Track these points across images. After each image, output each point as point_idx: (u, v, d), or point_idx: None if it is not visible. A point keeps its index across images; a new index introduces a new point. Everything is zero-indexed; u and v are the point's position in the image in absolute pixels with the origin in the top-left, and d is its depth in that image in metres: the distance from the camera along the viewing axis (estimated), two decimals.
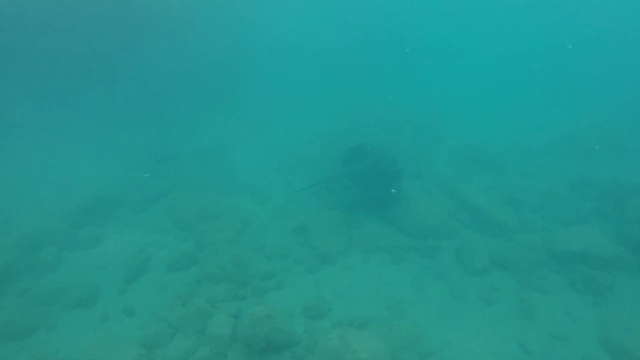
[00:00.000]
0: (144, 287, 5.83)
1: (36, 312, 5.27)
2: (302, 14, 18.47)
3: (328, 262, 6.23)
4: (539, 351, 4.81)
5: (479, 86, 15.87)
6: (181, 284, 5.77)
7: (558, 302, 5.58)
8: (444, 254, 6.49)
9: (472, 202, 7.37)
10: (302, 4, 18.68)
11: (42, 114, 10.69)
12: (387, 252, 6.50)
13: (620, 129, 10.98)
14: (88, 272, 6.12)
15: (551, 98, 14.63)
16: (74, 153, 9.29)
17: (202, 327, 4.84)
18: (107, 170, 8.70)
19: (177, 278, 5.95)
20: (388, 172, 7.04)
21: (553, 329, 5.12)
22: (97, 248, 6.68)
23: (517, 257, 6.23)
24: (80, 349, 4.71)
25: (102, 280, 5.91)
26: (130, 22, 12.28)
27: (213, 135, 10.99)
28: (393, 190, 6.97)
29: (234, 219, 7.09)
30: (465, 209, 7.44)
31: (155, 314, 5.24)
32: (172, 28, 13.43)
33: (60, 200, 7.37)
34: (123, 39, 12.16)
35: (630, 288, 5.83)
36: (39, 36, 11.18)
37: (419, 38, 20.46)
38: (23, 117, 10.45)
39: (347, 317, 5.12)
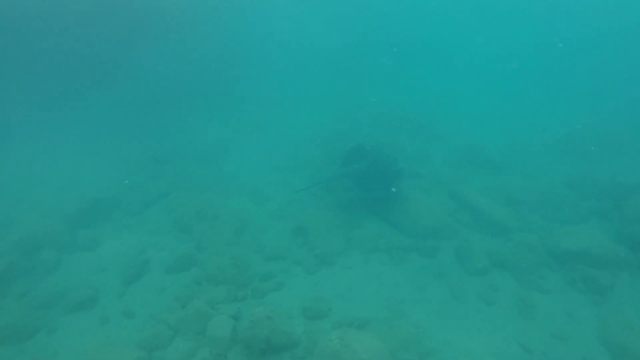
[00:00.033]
0: (143, 289, 5.82)
1: (36, 315, 5.26)
2: (301, 14, 18.49)
3: (327, 263, 6.23)
4: (539, 351, 4.80)
5: (478, 86, 15.90)
6: (181, 286, 5.77)
7: (558, 302, 5.58)
8: (443, 254, 6.49)
9: (472, 202, 7.37)
10: (301, 5, 18.69)
11: (41, 116, 10.69)
12: (386, 252, 6.49)
13: (619, 128, 11.00)
14: (87, 274, 6.11)
15: (550, 98, 14.65)
16: (73, 154, 9.29)
17: (202, 329, 4.83)
18: (106, 171, 8.70)
19: (176, 280, 5.94)
20: (388, 172, 7.04)
21: (553, 329, 5.12)
22: (96, 250, 6.68)
23: (516, 256, 6.23)
24: (79, 352, 4.69)
25: (102, 282, 5.90)
26: (128, 23, 12.28)
27: (212, 136, 10.99)
28: (393, 189, 6.97)
29: (233, 220, 7.08)
30: (464, 209, 7.44)
31: (155, 316, 5.23)
32: (171, 29, 13.42)
33: (59, 202, 7.36)
34: (122, 40, 12.15)
35: (630, 287, 5.83)
36: (38, 37, 11.17)
37: (418, 38, 20.48)
38: (22, 119, 10.45)
39: (347, 318, 5.11)
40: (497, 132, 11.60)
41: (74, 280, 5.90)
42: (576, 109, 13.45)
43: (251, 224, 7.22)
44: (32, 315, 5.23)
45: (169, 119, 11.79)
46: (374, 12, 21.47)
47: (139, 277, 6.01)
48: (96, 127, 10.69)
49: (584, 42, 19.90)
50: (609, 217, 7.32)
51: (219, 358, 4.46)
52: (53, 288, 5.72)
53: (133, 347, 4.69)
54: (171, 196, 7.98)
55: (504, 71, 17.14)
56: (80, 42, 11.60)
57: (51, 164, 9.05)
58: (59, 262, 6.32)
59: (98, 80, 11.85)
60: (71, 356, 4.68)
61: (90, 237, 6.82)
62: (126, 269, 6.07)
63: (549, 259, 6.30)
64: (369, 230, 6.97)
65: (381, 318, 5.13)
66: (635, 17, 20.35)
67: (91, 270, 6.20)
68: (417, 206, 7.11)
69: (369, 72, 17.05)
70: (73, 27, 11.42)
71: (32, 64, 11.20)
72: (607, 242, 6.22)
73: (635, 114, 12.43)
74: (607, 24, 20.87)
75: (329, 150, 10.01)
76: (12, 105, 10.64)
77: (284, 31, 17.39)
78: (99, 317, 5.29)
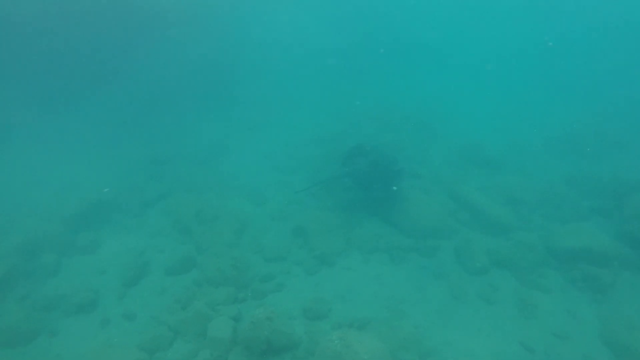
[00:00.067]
0: (143, 291, 5.82)
1: (36, 318, 5.26)
2: (299, 15, 18.51)
3: (327, 263, 6.23)
4: (540, 350, 4.79)
5: (477, 85, 15.89)
6: (181, 288, 5.77)
7: (559, 301, 5.57)
8: (443, 254, 6.48)
9: (471, 202, 7.37)
10: (300, 5, 18.72)
11: (39, 118, 10.70)
12: (386, 252, 6.49)
13: (619, 126, 10.99)
14: (87, 277, 6.11)
15: (549, 96, 14.63)
16: (72, 156, 9.30)
17: (202, 331, 4.83)
18: (105, 173, 8.70)
19: (176, 281, 5.94)
20: (388, 171, 7.05)
21: (554, 328, 5.11)
22: (96, 252, 6.68)
23: (517, 255, 6.22)
24: (80, 354, 4.69)
25: (102, 285, 5.90)
26: (127, 25, 12.30)
27: (211, 137, 11.00)
28: (394, 188, 6.98)
29: (233, 221, 7.08)
30: (464, 209, 7.44)
31: (155, 318, 5.23)
32: (169, 30, 13.45)
33: (58, 205, 7.35)
34: (120, 41, 12.18)
35: (631, 285, 5.82)
36: (36, 39, 11.20)
37: (417, 38, 20.49)
38: (21, 121, 10.46)
39: (347, 318, 5.11)
40: (497, 131, 11.59)
41: (75, 283, 5.90)
42: (575, 107, 13.44)
43: (251, 224, 7.22)
44: (33, 318, 5.23)
45: (168, 120, 11.80)
46: (373, 12, 21.49)
47: (139, 279, 6.01)
48: (95, 128, 10.71)
49: (582, 40, 19.89)
50: (609, 215, 7.31)
51: (219, 359, 4.46)
52: (53, 291, 5.73)
53: (134, 349, 4.69)
54: (170, 197, 7.98)
55: (502, 70, 17.14)
56: (79, 44, 11.63)
57: (50, 167, 9.05)
58: (59, 265, 6.33)
59: (97, 81, 11.88)
60: (72, 359, 4.68)
61: (90, 239, 6.82)
62: (126, 271, 6.07)
63: (549, 257, 6.30)
64: (369, 230, 6.97)
65: (381, 318, 5.13)
66: (633, 15, 20.33)
67: (91, 272, 6.20)
68: (417, 206, 7.11)
69: (368, 73, 17.05)
70: (71, 29, 11.45)
71: (30, 66, 11.23)
72: (607, 240, 6.21)
73: (635, 111, 12.41)
74: (606, 22, 20.86)
75: (328, 150, 10.01)
76: (11, 107, 10.66)
77: (283, 31, 17.42)
78: (99, 319, 5.29)
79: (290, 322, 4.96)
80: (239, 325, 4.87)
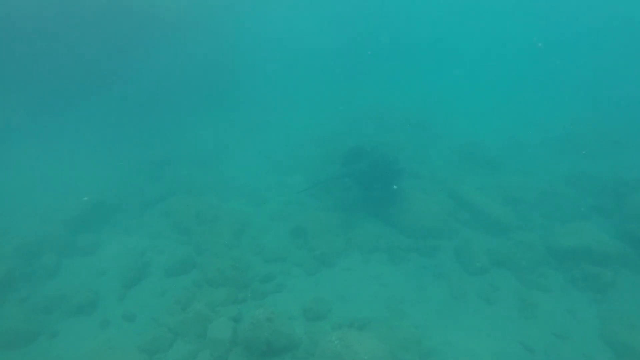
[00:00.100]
0: (143, 292, 5.82)
1: (36, 320, 5.26)
2: (298, 15, 18.53)
3: (327, 264, 6.22)
4: (540, 350, 4.78)
5: (475, 84, 15.90)
6: (181, 289, 5.76)
7: (559, 300, 5.56)
8: (443, 254, 6.47)
9: (471, 201, 7.36)
10: (299, 6, 18.73)
11: (39, 120, 10.72)
12: (386, 252, 6.49)
13: (618, 125, 10.98)
14: (87, 278, 6.11)
15: (549, 95, 14.63)
16: (72, 158, 9.31)
17: (202, 332, 4.83)
18: (105, 175, 8.71)
19: (176, 282, 5.94)
20: (389, 171, 7.05)
21: (554, 327, 5.10)
22: (96, 254, 6.68)
23: (516, 255, 6.21)
24: (80, 356, 4.69)
25: (102, 286, 5.90)
26: (126, 26, 12.33)
27: (210, 138, 11.01)
28: (394, 186, 6.97)
29: (233, 222, 7.09)
30: (464, 208, 7.43)
31: (155, 319, 5.23)
32: (168, 31, 13.48)
33: (58, 207, 7.36)
34: (120, 43, 12.20)
35: (632, 284, 5.81)
36: (36, 42, 11.22)
37: (416, 38, 20.50)
38: (20, 124, 10.48)
39: (347, 319, 5.10)
40: (496, 130, 11.60)
41: (74, 285, 5.91)
42: (575, 106, 13.43)
43: (250, 225, 7.23)
44: (33, 319, 5.24)
45: (168, 122, 11.82)
46: (372, 13, 21.51)
47: (139, 280, 6.01)
48: (95, 130, 10.72)
49: (582, 39, 19.89)
50: (609, 215, 7.30)
51: None
52: (53, 292, 5.73)
53: (134, 350, 4.69)
54: (170, 199, 7.99)
55: (501, 69, 17.13)
56: (78, 46, 11.65)
57: (50, 168, 9.07)
58: (59, 267, 6.33)
59: (97, 82, 11.90)
60: None
61: (89, 241, 6.83)
62: (126, 272, 6.07)
63: (549, 257, 6.29)
64: (369, 230, 6.97)
65: (381, 318, 5.12)
66: (633, 14, 20.32)
67: (91, 274, 6.21)
68: (417, 206, 7.10)
69: (367, 73, 17.06)
70: (71, 31, 11.47)
71: (30, 68, 11.25)
72: (607, 239, 6.19)
73: (634, 110, 12.40)
74: (605, 22, 20.85)
75: (327, 150, 10.02)
76: (10, 110, 10.68)
77: (282, 33, 17.44)
78: (99, 320, 5.29)
79: (290, 322, 4.95)
80: (238, 326, 4.87)
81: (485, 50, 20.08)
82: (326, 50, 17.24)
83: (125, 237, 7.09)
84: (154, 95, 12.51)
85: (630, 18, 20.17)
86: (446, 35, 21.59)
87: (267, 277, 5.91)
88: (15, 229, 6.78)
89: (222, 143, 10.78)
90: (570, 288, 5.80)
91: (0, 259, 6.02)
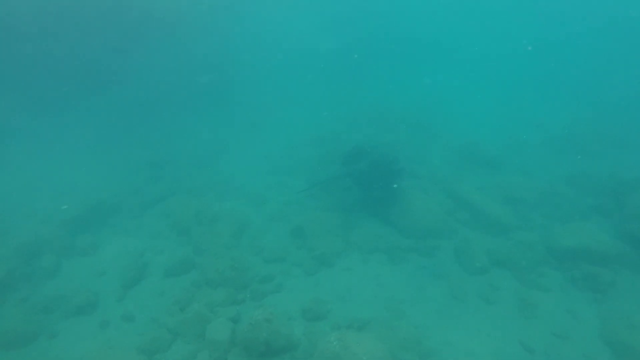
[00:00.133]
0: (142, 293, 5.82)
1: (36, 320, 5.27)
2: (297, 15, 18.53)
3: (326, 264, 6.22)
4: (540, 350, 4.77)
5: (475, 84, 15.89)
6: (180, 289, 5.77)
7: (559, 300, 5.55)
8: (442, 254, 6.47)
9: (471, 201, 7.35)
10: (298, 7, 18.73)
11: (38, 121, 10.74)
12: (385, 252, 6.48)
13: (618, 125, 10.95)
14: (87, 279, 6.12)
15: (548, 95, 14.61)
16: (71, 160, 9.33)
17: (201, 332, 4.83)
18: (104, 176, 8.72)
19: (175, 283, 5.94)
20: (389, 171, 7.04)
21: (554, 327, 5.09)
22: (96, 254, 6.69)
23: (516, 255, 6.20)
24: (80, 356, 4.68)
25: (101, 286, 5.91)
26: (125, 27, 12.34)
27: (209, 139, 11.02)
28: (395, 185, 6.96)
29: (232, 222, 7.08)
30: (463, 208, 7.42)
31: (155, 320, 5.23)
32: (167, 32, 13.49)
33: (57, 208, 7.37)
34: (118, 44, 12.21)
35: (632, 284, 5.80)
36: (35, 43, 11.23)
37: (415, 38, 20.48)
38: (20, 125, 10.49)
39: (347, 319, 5.10)
40: (495, 130, 11.59)
41: (74, 285, 5.92)
42: (575, 106, 13.41)
43: (250, 226, 7.23)
44: (33, 320, 5.25)
45: (167, 123, 11.84)
46: (371, 13, 21.49)
47: (138, 280, 6.01)
48: (94, 131, 10.74)
49: (582, 39, 19.86)
50: (609, 214, 7.28)
51: None
52: (53, 293, 5.74)
53: (133, 350, 4.69)
54: (169, 199, 7.99)
55: (501, 69, 17.11)
56: (77, 46, 11.66)
57: (49, 170, 9.08)
58: (59, 267, 6.34)
59: (95, 85, 11.91)
60: None
61: (89, 241, 6.83)
62: (125, 272, 6.08)
63: (549, 257, 6.28)
64: (368, 230, 6.96)
65: (381, 319, 5.11)
66: (632, 13, 20.28)
67: (91, 274, 6.21)
68: (416, 206, 7.09)
69: (366, 73, 17.06)
70: (70, 32, 11.48)
71: (29, 69, 11.26)
72: (607, 239, 6.18)
73: (634, 110, 12.38)
74: (605, 22, 20.82)
75: (327, 150, 10.02)
76: (10, 111, 10.69)
77: (280, 33, 17.45)
78: (98, 321, 5.30)
79: (289, 323, 4.95)
80: (237, 326, 4.86)
81: (485, 50, 20.07)
82: (326, 51, 17.24)
83: (125, 237, 7.10)
84: (154, 95, 12.53)
85: (630, 18, 20.15)
86: (446, 35, 21.58)
87: (266, 277, 5.91)
88: (15, 230, 6.80)
89: (221, 143, 10.79)
90: (570, 288, 5.78)
91: (0, 260, 6.03)
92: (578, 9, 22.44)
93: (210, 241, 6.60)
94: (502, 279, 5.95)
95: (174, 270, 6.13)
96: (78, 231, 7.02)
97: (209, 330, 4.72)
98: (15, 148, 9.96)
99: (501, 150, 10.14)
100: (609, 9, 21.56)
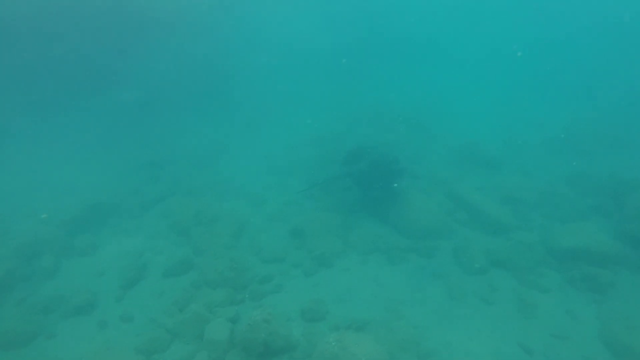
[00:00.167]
0: (141, 293, 5.82)
1: (34, 321, 5.26)
2: (295, 16, 18.53)
3: (325, 265, 6.21)
4: (539, 351, 4.76)
5: (474, 84, 15.88)
6: (179, 290, 5.76)
7: (558, 301, 5.54)
8: (441, 254, 6.46)
9: (470, 201, 7.35)
10: (296, 7, 18.73)
11: (38, 122, 10.74)
12: (384, 253, 6.47)
13: (617, 125, 10.94)
14: (86, 279, 6.12)
15: (547, 95, 14.60)
16: (70, 160, 9.33)
17: (200, 333, 4.82)
18: (103, 176, 8.72)
19: (174, 283, 5.94)
20: (390, 171, 7.04)
21: (553, 328, 5.08)
22: (94, 255, 6.69)
23: (515, 255, 6.19)
24: (78, 357, 4.69)
25: (100, 287, 5.90)
26: (124, 28, 12.34)
27: (208, 139, 11.02)
28: (395, 185, 6.96)
29: (231, 223, 7.08)
30: (462, 208, 7.42)
31: (153, 320, 5.23)
32: (166, 32, 13.49)
33: (56, 208, 7.37)
34: (117, 45, 12.21)
35: (631, 285, 5.79)
36: (34, 42, 11.23)
37: (414, 38, 20.48)
38: (19, 125, 10.49)
39: (345, 320, 5.09)
40: (495, 130, 11.58)
41: (73, 285, 5.91)
42: (574, 106, 13.39)
43: (249, 226, 7.22)
44: (31, 320, 5.24)
45: (166, 123, 11.83)
46: (369, 13, 21.49)
47: (137, 281, 6.01)
48: (93, 132, 10.74)
49: (581, 39, 19.85)
50: (608, 214, 7.28)
51: None
52: (52, 293, 5.74)
53: (131, 351, 4.69)
54: (168, 200, 7.99)
55: (500, 69, 17.10)
56: (76, 47, 11.66)
57: (48, 170, 9.08)
58: (58, 268, 6.34)
59: (95, 84, 11.92)
60: None
61: (88, 242, 6.83)
62: (124, 273, 6.08)
63: (548, 257, 6.27)
64: (367, 231, 6.96)
65: (380, 319, 5.11)
66: (631, 13, 20.27)
67: (89, 275, 6.21)
68: (415, 206, 7.09)
69: (365, 73, 17.05)
70: (69, 32, 11.48)
71: (28, 70, 11.26)
72: (607, 240, 6.18)
73: (633, 110, 12.36)
74: (604, 22, 20.81)
75: (326, 151, 10.01)
76: (9, 112, 10.69)
77: (281, 34, 17.44)
78: (97, 321, 5.29)
79: (288, 323, 4.94)
80: (236, 327, 4.86)
81: (485, 49, 20.05)
82: (325, 51, 17.23)
83: (124, 238, 7.09)
84: (153, 95, 12.53)
85: (629, 18, 20.13)
86: (446, 35, 21.57)
87: (265, 277, 5.90)
88: (14, 230, 6.79)
89: (221, 143, 10.79)
90: (569, 288, 5.77)
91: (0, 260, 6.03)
92: (577, 9, 22.43)
93: (210, 241, 6.60)
94: (501, 279, 5.95)
95: (173, 271, 6.13)
96: (77, 231, 7.02)
97: (208, 330, 4.71)
98: (15, 148, 9.96)
99: (501, 151, 10.13)
100: (607, 9, 21.55)
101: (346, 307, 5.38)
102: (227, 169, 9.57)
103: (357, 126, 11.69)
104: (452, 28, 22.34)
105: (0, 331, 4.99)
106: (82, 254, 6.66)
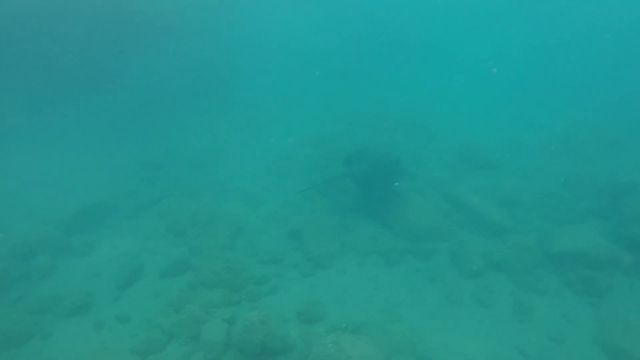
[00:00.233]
0: (137, 293, 5.80)
1: (30, 321, 5.24)
2: (294, 16, 18.52)
3: (322, 266, 6.21)
4: (535, 354, 4.77)
5: (472, 86, 15.89)
6: (175, 290, 5.74)
7: (555, 304, 5.55)
8: (438, 256, 6.46)
9: (467, 203, 7.35)
10: (295, 7, 18.73)
11: (34, 121, 10.69)
12: (381, 255, 6.47)
13: (615, 127, 10.96)
14: (82, 279, 6.09)
15: (544, 97, 14.62)
16: (67, 160, 9.28)
17: (196, 334, 4.81)
18: (100, 176, 8.68)
19: (170, 284, 5.92)
20: (390, 171, 7.03)
21: (550, 331, 5.09)
22: (91, 255, 6.66)
23: (512, 258, 6.19)
24: (74, 357, 4.67)
25: (96, 287, 5.88)
26: (121, 28, 12.31)
27: (206, 140, 10.99)
28: (395, 184, 6.97)
29: (228, 224, 7.07)
30: (459, 210, 7.42)
31: (149, 321, 5.22)
32: (164, 32, 13.46)
33: (53, 208, 7.34)
34: (115, 44, 12.16)
35: (628, 288, 5.80)
36: (31, 42, 11.20)
37: (412, 39, 20.50)
38: (15, 125, 10.45)
39: (342, 322, 5.08)
40: (492, 132, 11.57)
41: (69, 286, 5.89)
42: (571, 107, 13.41)
43: (246, 227, 7.21)
44: (27, 320, 5.22)
45: (163, 124, 11.79)
46: (368, 14, 21.50)
47: (133, 281, 5.99)
48: (90, 132, 10.69)
49: (580, 40, 19.91)
50: (606, 217, 7.29)
51: None
52: (48, 293, 5.71)
53: (127, 352, 4.68)
54: (165, 201, 7.97)
55: (499, 70, 17.11)
56: (74, 46, 11.63)
57: (45, 170, 9.03)
58: (54, 268, 6.31)
59: (92, 84, 11.87)
60: None
61: (84, 242, 6.80)
62: (120, 273, 6.05)
63: (545, 260, 6.27)
64: (364, 232, 6.96)
65: (376, 321, 5.11)
66: (630, 14, 20.34)
67: (86, 275, 6.19)
68: (412, 208, 7.09)
69: (364, 74, 17.05)
70: (66, 32, 11.45)
71: (25, 68, 11.22)
72: (604, 243, 6.19)
73: (631, 112, 12.38)
74: (604, 22, 20.88)
75: (324, 152, 10.00)
76: (5, 111, 10.65)
77: (278, 34, 17.43)
78: (93, 322, 5.27)
79: (284, 325, 4.94)
80: (232, 328, 4.85)
81: (484, 51, 20.08)
82: (324, 52, 17.22)
83: (120, 238, 7.07)
84: (151, 95, 12.49)
85: (628, 19, 20.20)
86: (445, 36, 21.60)
87: (262, 279, 5.89)
88: (10, 230, 6.75)
89: (218, 144, 10.76)
90: (566, 291, 5.78)
91: None
92: (576, 11, 22.50)
93: (206, 242, 6.58)
94: (498, 282, 5.95)
95: (169, 271, 6.11)
96: (74, 231, 6.99)
97: (204, 331, 4.71)
98: (12, 148, 9.90)
99: (499, 152, 10.13)
100: (607, 10, 21.62)
101: (343, 308, 5.38)
102: (225, 170, 9.55)
103: (356, 128, 11.68)
104: (452, 29, 22.38)
105: None
106: (79, 254, 6.63)
